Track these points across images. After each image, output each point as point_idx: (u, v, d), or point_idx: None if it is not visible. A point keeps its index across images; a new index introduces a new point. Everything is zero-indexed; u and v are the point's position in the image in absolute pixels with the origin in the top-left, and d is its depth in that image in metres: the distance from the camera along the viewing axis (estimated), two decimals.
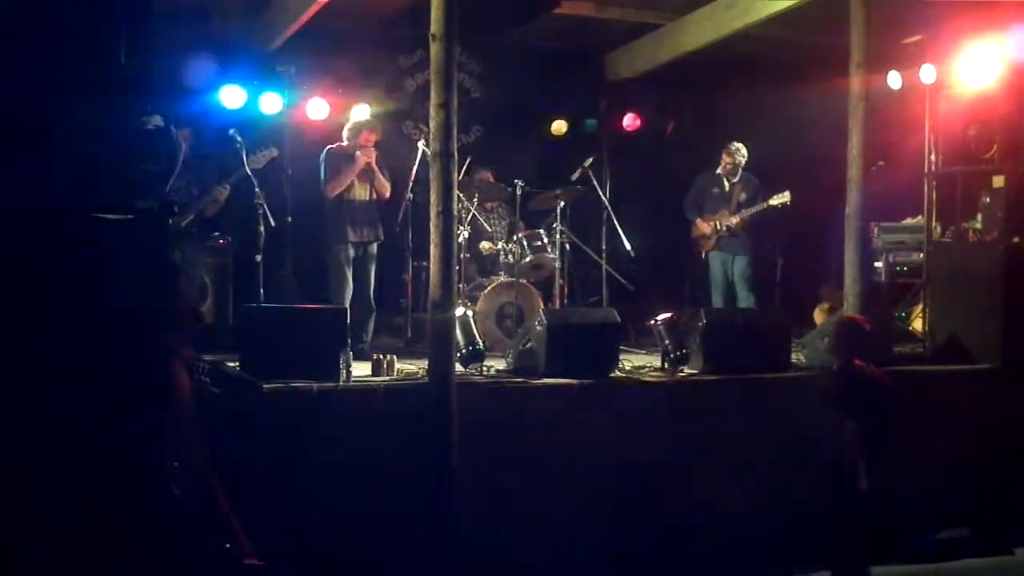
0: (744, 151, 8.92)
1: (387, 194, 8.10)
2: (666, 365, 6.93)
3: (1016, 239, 7.98)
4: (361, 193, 8.01)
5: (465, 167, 8.77)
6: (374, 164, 7.97)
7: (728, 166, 8.92)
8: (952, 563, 6.71)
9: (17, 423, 3.80)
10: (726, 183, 8.96)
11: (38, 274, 4.10)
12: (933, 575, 6.62)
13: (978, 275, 7.82)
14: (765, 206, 8.66)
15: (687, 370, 6.93)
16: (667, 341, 6.95)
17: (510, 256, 8.51)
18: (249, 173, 7.36)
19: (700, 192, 9.14)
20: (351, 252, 7.94)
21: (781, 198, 8.57)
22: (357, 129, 8.05)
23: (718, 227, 8.91)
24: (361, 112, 8.71)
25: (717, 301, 8.96)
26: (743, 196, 8.86)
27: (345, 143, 8.04)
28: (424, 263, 7.23)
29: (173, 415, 3.32)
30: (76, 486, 3.59)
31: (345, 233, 7.93)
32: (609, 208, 8.80)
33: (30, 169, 4.19)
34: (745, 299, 8.77)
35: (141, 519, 3.26)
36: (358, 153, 7.92)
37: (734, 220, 8.80)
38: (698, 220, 9.07)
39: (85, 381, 3.88)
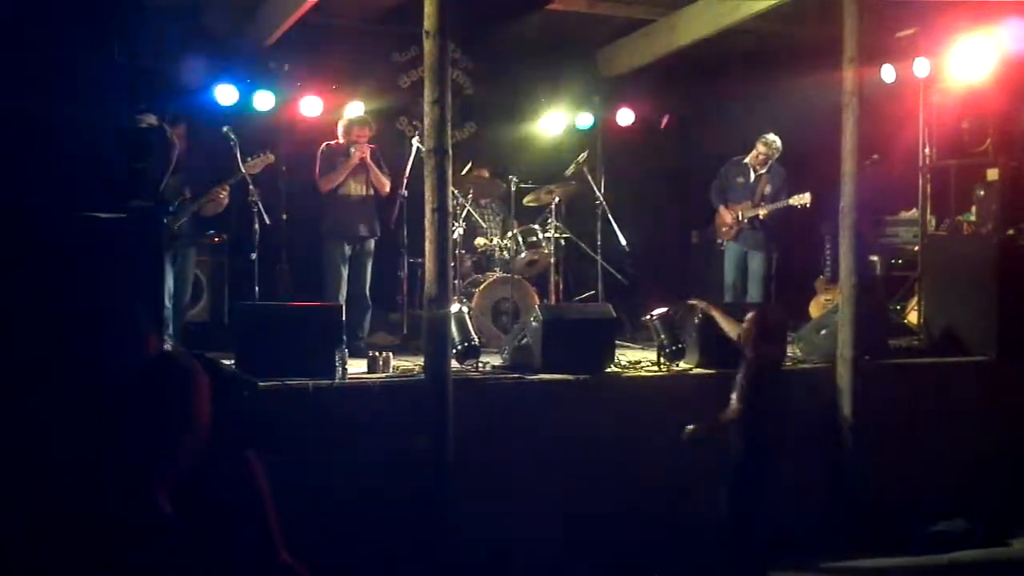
0: (779, 144, 8.74)
1: (386, 189, 8.12)
2: (662, 360, 6.93)
3: (1010, 232, 7.99)
4: (356, 189, 8.03)
5: (467, 168, 8.82)
6: (368, 160, 7.98)
7: (761, 156, 8.75)
8: (947, 555, 6.70)
9: (7, 424, 3.79)
10: (752, 173, 8.81)
11: (31, 273, 4.09)
12: (922, 567, 6.60)
13: (973, 268, 7.83)
14: (784, 204, 8.52)
15: (683, 364, 6.93)
16: (663, 336, 6.94)
17: (505, 252, 8.51)
18: (243, 171, 7.35)
19: (725, 180, 9.00)
20: (347, 248, 7.95)
21: (801, 199, 8.39)
22: (350, 125, 8.07)
23: (740, 218, 8.77)
24: (354, 109, 8.71)
25: (727, 293, 8.90)
26: (768, 188, 8.71)
27: (340, 139, 8.06)
28: (419, 259, 7.21)
29: (170, 422, 3.29)
30: (63, 490, 3.57)
31: (341, 229, 7.95)
32: (604, 203, 8.80)
33: (23, 168, 4.18)
34: (753, 297, 8.67)
35: (122, 528, 3.24)
36: (352, 149, 7.94)
37: (758, 212, 8.65)
38: (721, 208, 8.94)
39: (77, 381, 3.87)
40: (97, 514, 3.16)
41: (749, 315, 5.79)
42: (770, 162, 8.80)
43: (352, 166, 7.96)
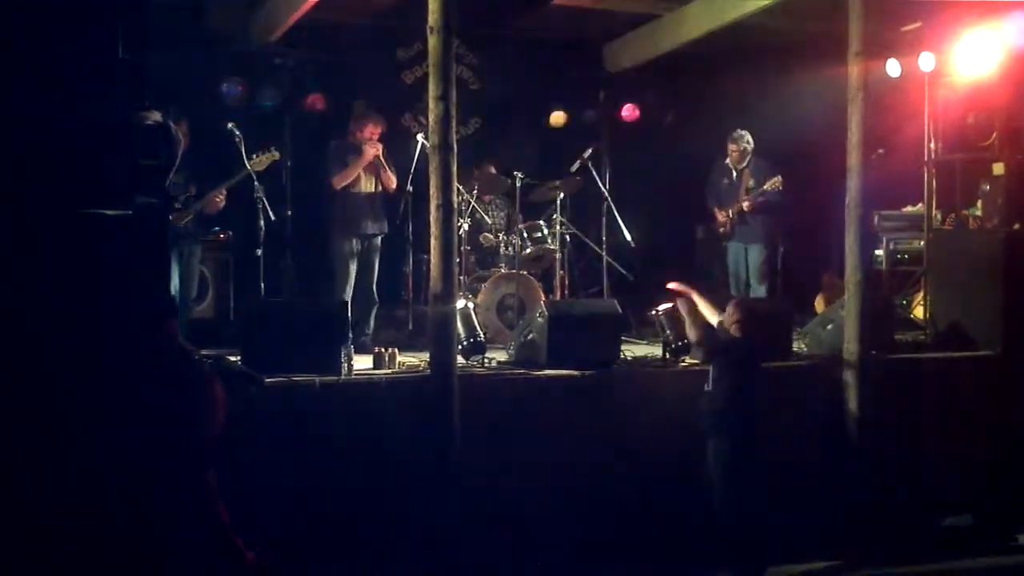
0: (748, 137, 8.84)
1: (393, 186, 8.10)
2: (667, 355, 6.92)
3: (1016, 226, 7.97)
4: (367, 186, 8.01)
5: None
6: (381, 157, 7.97)
7: (735, 153, 8.86)
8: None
9: (14, 421, 3.79)
10: (733, 173, 8.91)
11: (37, 270, 4.10)
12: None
13: (978, 262, 7.81)
14: (760, 192, 8.62)
15: (688, 360, 6.92)
16: (668, 331, 6.93)
17: (510, 248, 8.51)
18: (249, 169, 7.34)
19: (713, 185, 9.12)
20: (356, 245, 7.93)
21: (773, 183, 8.53)
22: (363, 122, 8.04)
23: (731, 216, 8.87)
24: (359, 105, 8.69)
25: (732, 290, 8.93)
26: (751, 183, 8.76)
27: (350, 136, 8.04)
28: (424, 256, 7.22)
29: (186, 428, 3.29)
30: (66, 483, 3.57)
31: (351, 226, 7.92)
32: (609, 199, 8.79)
33: (28, 166, 4.19)
34: (756, 290, 8.72)
35: (125, 522, 3.24)
36: (365, 146, 7.91)
37: (742, 206, 8.74)
38: (715, 210, 9.06)
39: (84, 379, 3.87)
40: (94, 513, 3.17)
41: (732, 303, 5.95)
42: (748, 157, 8.87)
43: (366, 163, 7.93)
